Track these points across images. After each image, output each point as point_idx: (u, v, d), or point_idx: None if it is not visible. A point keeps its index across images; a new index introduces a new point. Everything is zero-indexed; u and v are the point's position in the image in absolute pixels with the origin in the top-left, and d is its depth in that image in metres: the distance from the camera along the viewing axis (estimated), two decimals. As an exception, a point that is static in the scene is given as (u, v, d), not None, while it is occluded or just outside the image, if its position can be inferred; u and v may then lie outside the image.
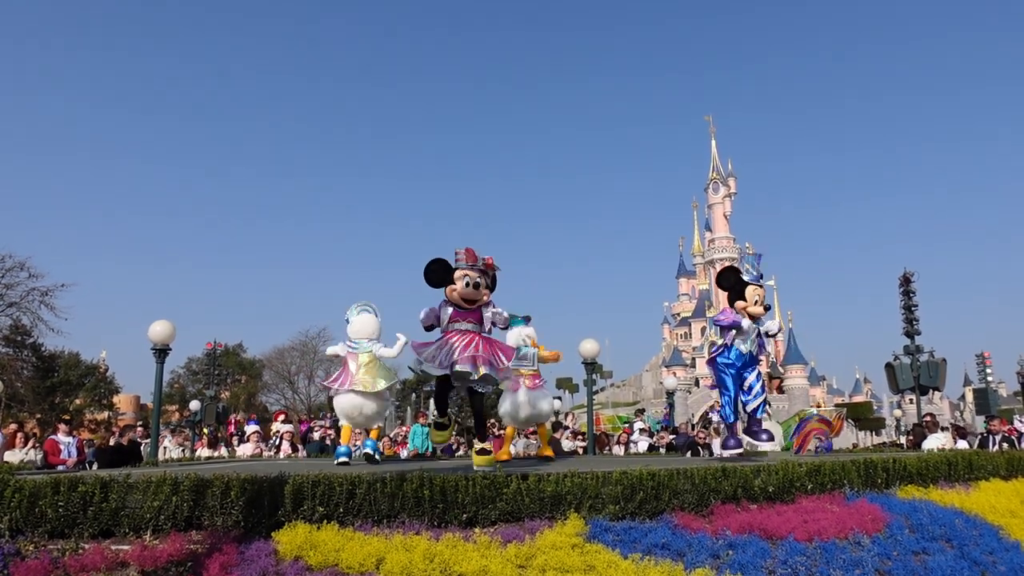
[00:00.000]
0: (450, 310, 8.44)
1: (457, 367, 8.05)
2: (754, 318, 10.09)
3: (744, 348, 9.99)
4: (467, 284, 8.31)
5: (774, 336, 10.24)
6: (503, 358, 8.48)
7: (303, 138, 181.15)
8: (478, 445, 8.66)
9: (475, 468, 7.98)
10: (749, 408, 10.06)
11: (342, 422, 10.71)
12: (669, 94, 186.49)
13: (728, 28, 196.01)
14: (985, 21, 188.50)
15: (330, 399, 11.27)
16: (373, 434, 11.18)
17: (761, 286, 10.32)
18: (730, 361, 9.98)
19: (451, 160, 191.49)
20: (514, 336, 11.31)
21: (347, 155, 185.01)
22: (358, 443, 13.95)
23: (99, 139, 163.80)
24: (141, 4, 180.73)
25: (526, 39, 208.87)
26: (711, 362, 10.40)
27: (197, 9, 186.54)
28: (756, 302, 10.06)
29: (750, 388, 10.02)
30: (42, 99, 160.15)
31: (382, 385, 10.19)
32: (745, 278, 10.26)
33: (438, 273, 8.35)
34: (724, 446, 10.23)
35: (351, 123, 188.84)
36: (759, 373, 10.27)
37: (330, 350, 10.88)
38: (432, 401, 10.08)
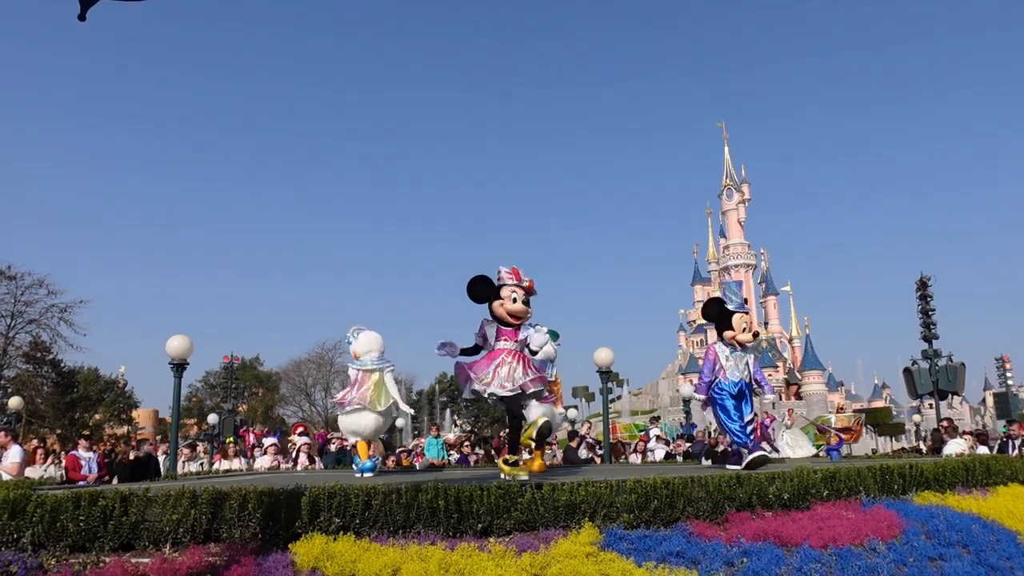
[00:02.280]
0: (495, 328, 8.54)
1: (532, 389, 8.25)
2: (743, 345, 10.32)
3: (736, 377, 10.15)
4: (515, 300, 8.45)
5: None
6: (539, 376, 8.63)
7: (319, 148, 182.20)
8: (512, 457, 8.73)
9: (502, 476, 8.07)
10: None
11: (354, 438, 10.88)
12: (681, 100, 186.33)
13: (739, 31, 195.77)
14: (1003, 17, 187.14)
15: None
16: (374, 450, 11.28)
17: (747, 312, 10.54)
18: (724, 388, 10.15)
19: (462, 167, 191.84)
20: (548, 350, 11.35)
21: (362, 164, 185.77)
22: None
23: (114, 152, 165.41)
24: (146, 14, 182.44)
25: (533, 43, 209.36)
26: (711, 398, 10.43)
27: (204, 19, 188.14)
28: (744, 329, 10.30)
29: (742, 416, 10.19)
30: (56, 112, 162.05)
31: (384, 405, 10.39)
32: (730, 307, 10.45)
33: (482, 289, 8.50)
34: (735, 460, 10.19)
35: (364, 131, 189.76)
36: (755, 413, 10.55)
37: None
38: (507, 437, 10.18)
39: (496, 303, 8.49)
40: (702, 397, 10.47)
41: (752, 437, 10.33)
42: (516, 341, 8.59)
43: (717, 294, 10.85)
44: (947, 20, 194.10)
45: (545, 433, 8.64)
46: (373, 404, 10.27)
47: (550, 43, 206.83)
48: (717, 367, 10.27)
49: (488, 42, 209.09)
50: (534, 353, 8.71)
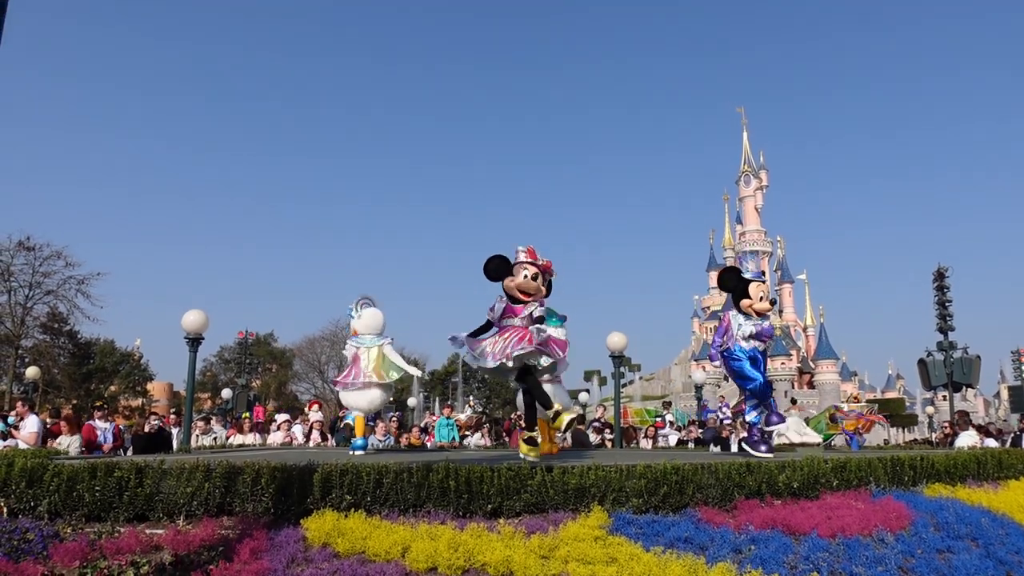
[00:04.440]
0: (503, 306, 8.56)
1: (517, 352, 8.19)
2: (760, 314, 10.29)
3: (749, 345, 10.18)
4: (526, 276, 8.50)
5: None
6: (557, 350, 8.64)
7: (332, 123, 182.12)
8: (526, 434, 8.76)
9: (521, 456, 8.12)
10: (750, 418, 10.26)
11: (355, 413, 11.09)
12: (701, 85, 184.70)
13: (759, 13, 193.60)
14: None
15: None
16: (384, 429, 11.53)
17: (764, 282, 10.49)
18: (737, 352, 10.20)
19: (479, 144, 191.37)
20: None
21: (379, 138, 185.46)
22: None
23: (132, 125, 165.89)
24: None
25: (552, 22, 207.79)
26: (722, 357, 10.51)
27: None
28: (761, 298, 10.26)
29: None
30: (77, 83, 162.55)
31: (394, 376, 10.67)
32: (747, 276, 10.48)
33: (497, 267, 8.58)
34: (752, 445, 10.20)
35: (375, 107, 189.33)
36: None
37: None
38: (517, 418, 10.28)
39: (508, 279, 8.56)
40: (716, 363, 10.65)
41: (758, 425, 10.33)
42: (522, 318, 8.63)
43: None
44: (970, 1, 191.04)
45: (572, 426, 8.69)
46: (382, 377, 10.58)
47: (569, 22, 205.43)
48: (729, 334, 10.33)
49: (508, 19, 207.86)
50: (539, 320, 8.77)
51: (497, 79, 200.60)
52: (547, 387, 11.17)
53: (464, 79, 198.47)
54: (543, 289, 8.76)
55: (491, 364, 8.25)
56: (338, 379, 11.16)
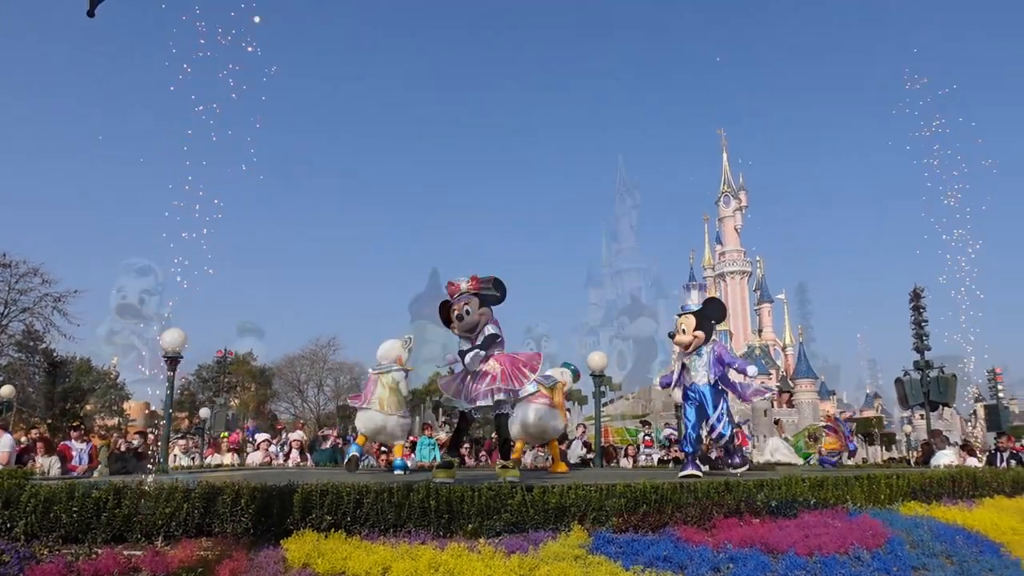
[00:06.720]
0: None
1: (479, 402, 8.40)
2: (683, 346, 10.58)
3: (695, 380, 10.38)
4: (457, 318, 8.53)
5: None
6: (526, 372, 8.63)
7: (311, 141, 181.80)
8: (501, 462, 8.86)
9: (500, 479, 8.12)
10: (720, 442, 10.59)
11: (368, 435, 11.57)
12: (680, 106, 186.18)
13: (738, 33, 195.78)
14: (1001, 17, 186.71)
15: (350, 411, 11.91)
16: (399, 451, 11.74)
17: (679, 315, 10.88)
18: (689, 392, 10.41)
19: (460, 166, 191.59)
20: (559, 370, 11.88)
21: (350, 160, 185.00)
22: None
23: (107, 140, 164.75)
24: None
25: (532, 46, 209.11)
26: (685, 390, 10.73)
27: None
28: (675, 332, 10.60)
29: (712, 428, 10.38)
30: (51, 99, 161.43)
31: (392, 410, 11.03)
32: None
33: (444, 315, 8.74)
34: (682, 469, 10.25)
35: (351, 123, 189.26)
36: (723, 411, 10.51)
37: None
38: (448, 434, 10.53)
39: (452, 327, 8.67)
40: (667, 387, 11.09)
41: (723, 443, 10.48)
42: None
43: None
44: (944, 21, 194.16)
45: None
46: (383, 407, 10.97)
47: (547, 44, 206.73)
48: (678, 368, 10.75)
49: (488, 42, 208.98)
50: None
51: (475, 98, 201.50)
52: (540, 410, 11.32)
53: (442, 101, 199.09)
54: (483, 313, 8.62)
55: (463, 407, 8.44)
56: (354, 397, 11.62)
